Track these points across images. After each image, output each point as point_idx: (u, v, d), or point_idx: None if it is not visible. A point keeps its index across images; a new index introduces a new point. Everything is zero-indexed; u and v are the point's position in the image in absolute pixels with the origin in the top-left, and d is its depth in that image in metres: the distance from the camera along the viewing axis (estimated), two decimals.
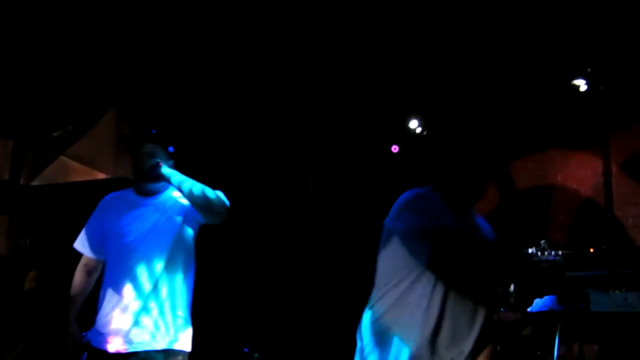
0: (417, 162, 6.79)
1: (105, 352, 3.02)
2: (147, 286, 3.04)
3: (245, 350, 5.75)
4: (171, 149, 3.37)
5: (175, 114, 5.82)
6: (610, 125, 5.93)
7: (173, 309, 3.08)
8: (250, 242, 6.46)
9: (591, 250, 5.27)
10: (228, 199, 3.17)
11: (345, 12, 5.18)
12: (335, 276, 6.61)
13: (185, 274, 3.16)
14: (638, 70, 5.55)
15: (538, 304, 4.97)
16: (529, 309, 4.98)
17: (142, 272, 3.05)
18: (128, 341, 3.00)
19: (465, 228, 2.75)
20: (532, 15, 5.15)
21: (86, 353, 3.15)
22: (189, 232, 3.20)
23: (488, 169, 2.91)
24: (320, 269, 6.67)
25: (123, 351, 3.00)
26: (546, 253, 5.00)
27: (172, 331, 3.05)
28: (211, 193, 3.08)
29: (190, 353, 3.14)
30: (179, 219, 3.17)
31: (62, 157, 5.59)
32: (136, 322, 3.01)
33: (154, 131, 3.37)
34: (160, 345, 3.01)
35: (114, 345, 3.01)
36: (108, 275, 3.16)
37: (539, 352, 4.74)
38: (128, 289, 3.05)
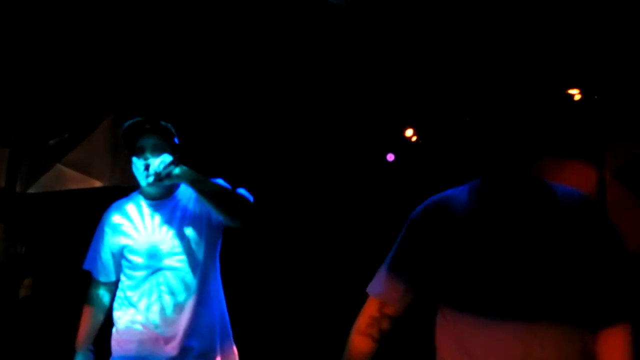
0: (413, 170, 6.80)
1: None
2: (178, 303, 2.63)
3: None
4: (176, 140, 2.87)
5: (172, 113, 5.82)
6: (605, 134, 5.97)
7: (208, 326, 2.68)
8: (250, 250, 6.46)
9: None
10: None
11: (339, 25, 5.21)
12: (331, 283, 6.61)
13: (217, 284, 2.77)
14: (633, 79, 5.59)
15: None
16: None
17: (172, 288, 2.64)
18: None
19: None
20: (527, 23, 5.19)
21: None
22: (216, 234, 2.79)
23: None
24: (315, 276, 6.67)
25: None
26: None
27: (211, 353, 2.67)
28: (232, 192, 2.67)
29: None
30: (204, 220, 2.74)
31: (59, 165, 5.60)
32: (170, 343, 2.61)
33: (152, 121, 2.81)
34: None
35: None
36: (129, 294, 2.72)
37: None
38: (156, 308, 2.65)
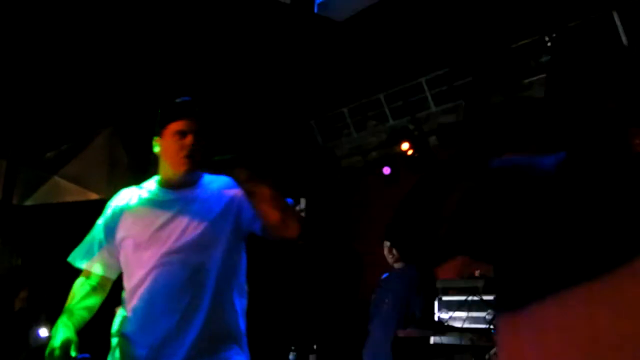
0: (408, 184, 6.81)
1: None
2: (194, 308, 2.28)
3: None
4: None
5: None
6: None
7: (225, 335, 2.33)
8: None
9: None
10: None
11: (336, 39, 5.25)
12: (326, 299, 6.62)
13: (240, 291, 2.41)
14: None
15: None
16: None
17: (187, 290, 2.28)
18: None
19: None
20: (521, 32, 5.24)
21: None
22: (241, 233, 2.40)
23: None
24: (314, 290, 6.67)
25: None
26: None
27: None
28: (286, 201, 2.29)
29: None
30: (229, 217, 2.36)
31: (55, 177, 5.60)
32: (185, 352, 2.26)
33: (192, 103, 2.47)
34: None
35: None
36: (135, 295, 2.36)
37: None
38: (172, 315, 2.28)
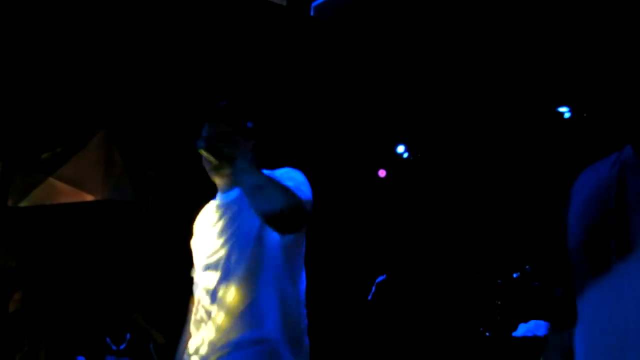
0: (404, 186, 6.82)
1: None
2: (235, 313, 2.15)
3: None
4: (250, 124, 2.51)
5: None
6: (594, 152, 6.00)
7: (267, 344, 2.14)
8: None
9: None
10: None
11: (332, 42, 5.26)
12: (329, 297, 6.61)
13: (271, 293, 2.21)
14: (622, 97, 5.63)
15: (522, 328, 4.96)
16: (513, 334, 4.98)
17: (228, 294, 2.16)
18: None
19: None
20: (517, 40, 5.25)
21: None
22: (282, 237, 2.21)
23: None
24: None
25: None
26: (531, 278, 5.03)
27: None
28: (278, 186, 2.11)
29: None
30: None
31: (51, 179, 5.59)
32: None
33: (223, 103, 2.48)
34: None
35: None
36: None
37: None
38: (213, 321, 2.18)
